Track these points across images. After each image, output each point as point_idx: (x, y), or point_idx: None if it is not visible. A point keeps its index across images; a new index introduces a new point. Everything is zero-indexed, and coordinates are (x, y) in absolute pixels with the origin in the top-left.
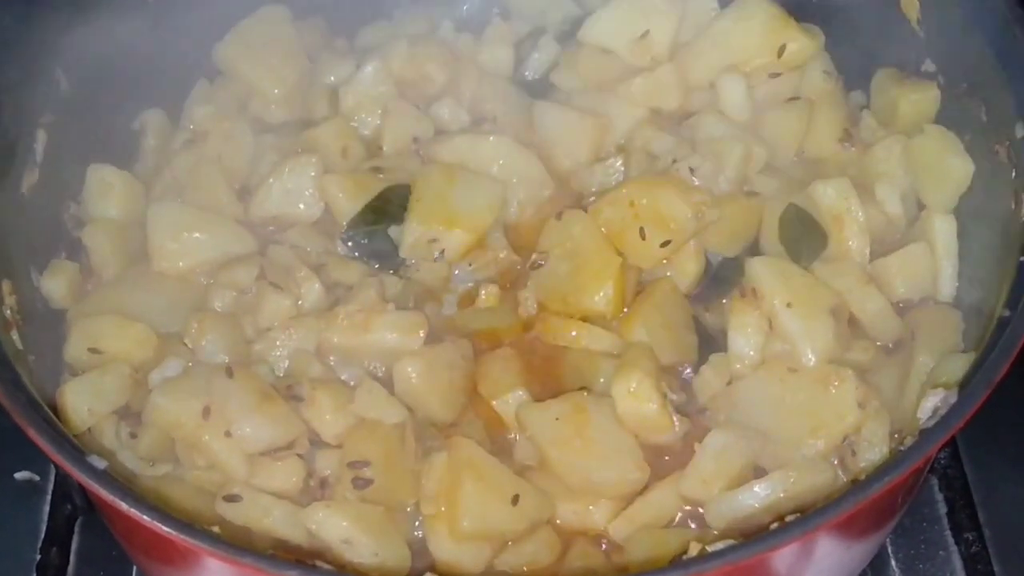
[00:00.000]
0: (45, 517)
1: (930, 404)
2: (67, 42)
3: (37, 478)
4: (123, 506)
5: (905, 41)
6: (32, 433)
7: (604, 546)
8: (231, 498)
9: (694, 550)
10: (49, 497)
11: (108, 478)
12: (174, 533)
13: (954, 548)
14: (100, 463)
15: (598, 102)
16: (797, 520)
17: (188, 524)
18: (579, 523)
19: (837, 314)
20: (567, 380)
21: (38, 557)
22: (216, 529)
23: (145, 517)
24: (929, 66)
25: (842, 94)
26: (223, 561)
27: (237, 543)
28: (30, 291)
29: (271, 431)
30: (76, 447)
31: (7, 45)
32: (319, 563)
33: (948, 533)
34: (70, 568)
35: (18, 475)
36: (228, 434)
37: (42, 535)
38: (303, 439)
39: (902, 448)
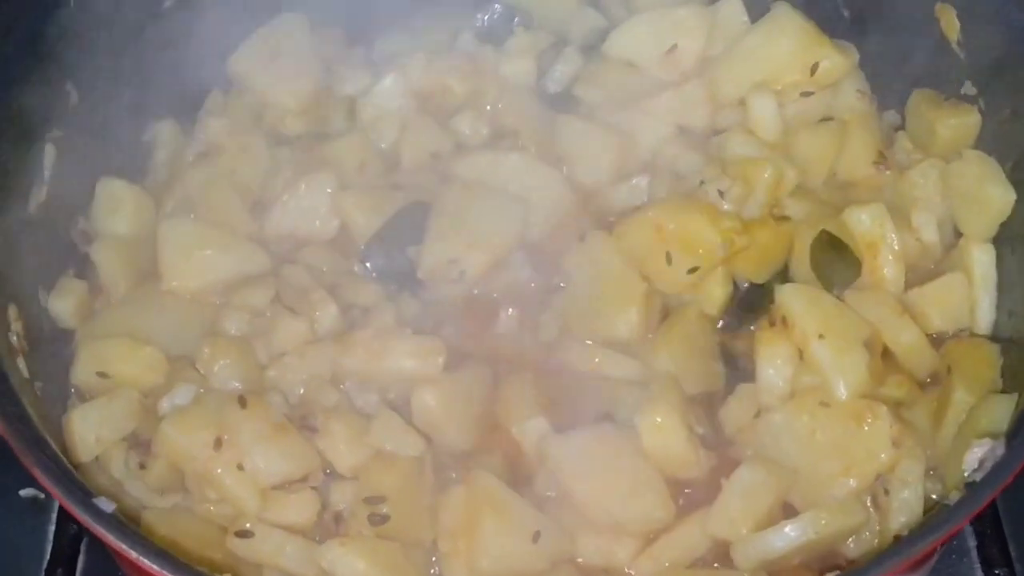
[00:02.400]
0: (51, 536)
1: (976, 455)
2: (76, 53)
3: (43, 495)
4: (132, 554)
5: (944, 61)
6: (38, 473)
7: None
8: (243, 534)
9: None
10: (55, 516)
11: (116, 523)
12: None
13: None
14: (108, 506)
15: (623, 117)
16: None
17: (200, 573)
18: (601, 561)
19: (870, 346)
20: (589, 407)
21: None
22: None
23: (155, 567)
24: (969, 89)
25: (876, 115)
26: None
27: None
28: (37, 312)
29: (285, 464)
30: (83, 488)
31: (13, 59)
32: None
33: (978, 566)
34: None
35: (23, 492)
36: (240, 467)
37: (47, 555)
38: (317, 471)
39: (947, 502)
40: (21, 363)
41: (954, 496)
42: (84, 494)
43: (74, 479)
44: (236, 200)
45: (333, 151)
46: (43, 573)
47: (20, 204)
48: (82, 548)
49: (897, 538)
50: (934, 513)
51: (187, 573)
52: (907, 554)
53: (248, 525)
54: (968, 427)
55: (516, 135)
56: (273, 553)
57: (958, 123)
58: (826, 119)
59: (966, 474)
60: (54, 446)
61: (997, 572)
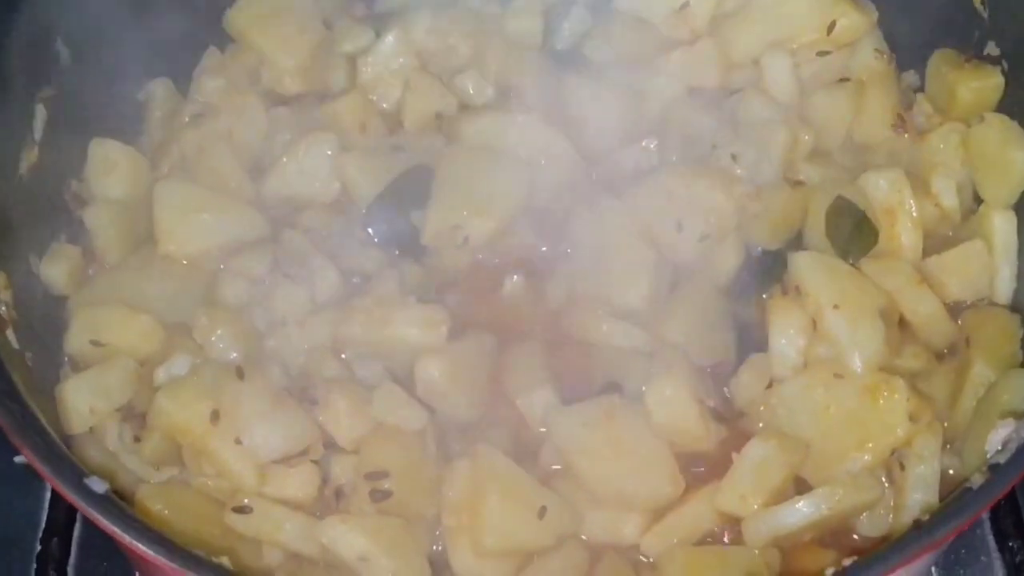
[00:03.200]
0: (46, 504)
1: (999, 436)
2: (66, 9)
3: None
4: (126, 538)
5: (966, 21)
6: (27, 453)
7: (635, 562)
8: (241, 509)
9: None
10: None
11: (109, 505)
12: (180, 568)
13: (996, 555)
14: (100, 486)
15: (632, 77)
16: (858, 566)
17: (196, 557)
18: (608, 537)
19: (887, 316)
20: (596, 378)
21: (39, 547)
22: (225, 560)
23: (150, 552)
24: (993, 50)
25: (895, 75)
26: None
27: None
28: (28, 279)
29: (284, 439)
30: (73, 468)
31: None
32: None
33: (991, 538)
34: (72, 559)
35: (17, 459)
36: (238, 441)
37: (43, 524)
38: (318, 445)
39: (969, 485)
40: (11, 334)
41: (977, 479)
42: (75, 475)
43: (65, 459)
44: (233, 162)
45: (333, 112)
46: (39, 542)
47: (11, 167)
48: (78, 516)
49: (918, 523)
50: (956, 497)
51: (183, 557)
52: (928, 540)
53: (246, 501)
54: (989, 404)
55: (522, 96)
56: (272, 529)
57: (980, 85)
58: (843, 80)
59: (989, 455)
60: (44, 422)
61: (1011, 544)
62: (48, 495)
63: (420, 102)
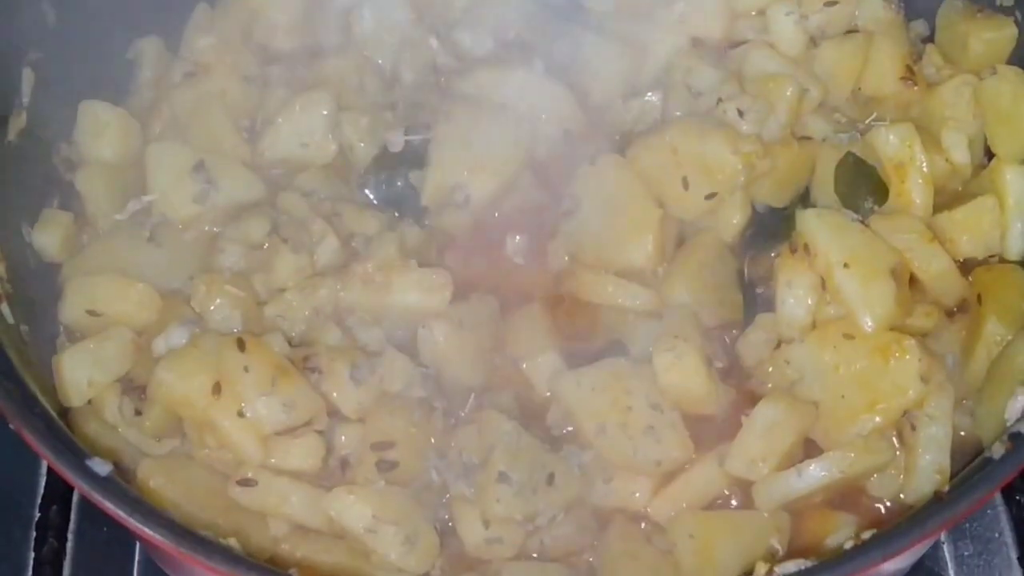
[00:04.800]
0: (44, 471)
1: (1020, 404)
2: None
3: None
4: (131, 522)
5: None
6: (27, 436)
7: (644, 526)
8: (245, 482)
9: (761, 570)
10: None
11: (113, 488)
12: (188, 553)
13: (1002, 507)
14: (103, 467)
15: (634, 28)
16: (879, 540)
17: (204, 540)
18: (617, 501)
19: (897, 275)
20: (601, 340)
21: (37, 515)
22: (233, 541)
23: (157, 536)
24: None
25: (904, 25)
26: None
27: (256, 562)
28: (21, 248)
29: (287, 410)
30: (76, 448)
31: None
32: None
33: (999, 494)
34: (71, 526)
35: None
36: (241, 414)
37: (41, 490)
38: (322, 415)
39: (991, 456)
40: (5, 308)
41: (997, 449)
42: (77, 458)
43: (66, 440)
44: (227, 122)
45: (328, 69)
46: (37, 509)
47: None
48: None
49: (939, 495)
50: (977, 467)
51: (191, 540)
52: (950, 514)
53: (251, 474)
54: (1005, 365)
55: (521, 49)
56: (278, 502)
57: (993, 36)
58: (851, 32)
59: (1008, 423)
60: (43, 401)
61: (1019, 499)
62: (45, 462)
63: (417, 57)
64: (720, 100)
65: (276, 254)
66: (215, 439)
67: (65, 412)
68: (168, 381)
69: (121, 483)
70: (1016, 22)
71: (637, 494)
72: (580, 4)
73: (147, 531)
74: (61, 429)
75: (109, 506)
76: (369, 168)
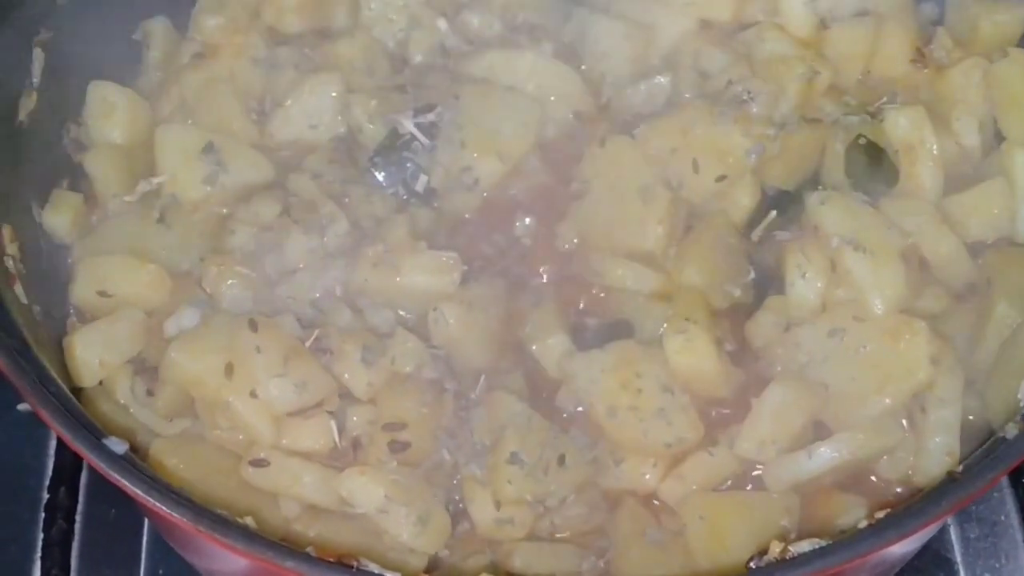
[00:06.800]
0: (52, 452)
1: None
2: None
3: None
4: (149, 501)
5: None
6: (43, 414)
7: (654, 508)
8: (258, 463)
9: (776, 548)
10: None
11: (130, 467)
12: (206, 531)
13: (1008, 490)
14: (119, 446)
15: (643, 10)
16: (893, 519)
17: (222, 519)
18: (627, 483)
19: (907, 258)
20: (610, 321)
21: (46, 496)
22: (250, 520)
23: (175, 514)
24: None
25: (913, 7)
26: (263, 564)
27: (273, 540)
28: (32, 229)
29: (299, 391)
30: (93, 427)
31: None
32: (360, 561)
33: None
34: (79, 507)
35: (21, 407)
36: (253, 395)
37: (49, 472)
38: (333, 396)
39: (1004, 436)
40: (19, 289)
41: (1011, 429)
42: (94, 436)
43: (82, 418)
44: (236, 104)
45: (337, 51)
46: (45, 490)
47: (9, 114)
48: (84, 464)
49: (951, 475)
50: (990, 447)
51: (210, 519)
52: (965, 493)
53: (263, 454)
54: (1015, 347)
55: (530, 30)
56: (290, 483)
57: (1004, 19)
58: (861, 14)
59: (1022, 403)
60: (59, 381)
61: None
62: (53, 443)
63: (425, 39)
64: (730, 82)
65: (286, 236)
66: (227, 419)
67: (77, 392)
68: (180, 362)
69: (138, 462)
70: None
71: (647, 476)
72: None
73: (165, 510)
74: (77, 408)
75: (127, 485)
76: (378, 150)
